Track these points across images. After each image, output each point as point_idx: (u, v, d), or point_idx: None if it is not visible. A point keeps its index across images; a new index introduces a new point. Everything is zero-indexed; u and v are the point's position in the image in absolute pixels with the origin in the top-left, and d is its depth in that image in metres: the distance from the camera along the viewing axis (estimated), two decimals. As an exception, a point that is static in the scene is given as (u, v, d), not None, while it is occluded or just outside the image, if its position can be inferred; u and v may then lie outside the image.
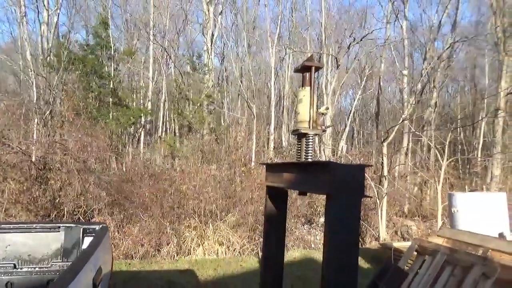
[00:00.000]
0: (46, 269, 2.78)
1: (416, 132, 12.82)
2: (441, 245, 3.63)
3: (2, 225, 2.93)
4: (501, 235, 3.58)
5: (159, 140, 14.70)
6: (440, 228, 4.93)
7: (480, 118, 14.74)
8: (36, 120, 10.36)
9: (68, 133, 8.80)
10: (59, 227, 2.90)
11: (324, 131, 2.30)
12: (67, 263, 2.57)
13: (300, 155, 2.26)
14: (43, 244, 2.87)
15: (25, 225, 2.89)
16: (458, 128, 16.37)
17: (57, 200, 8.42)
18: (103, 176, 8.93)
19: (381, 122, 17.05)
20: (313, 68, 2.29)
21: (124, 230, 8.55)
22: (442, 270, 3.49)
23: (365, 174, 8.74)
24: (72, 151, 8.44)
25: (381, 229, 10.52)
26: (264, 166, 2.82)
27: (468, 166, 15.01)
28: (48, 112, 10.75)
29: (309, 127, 2.23)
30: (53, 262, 2.86)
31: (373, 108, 20.18)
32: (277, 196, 2.69)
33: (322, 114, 2.29)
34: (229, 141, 13.02)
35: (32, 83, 11.32)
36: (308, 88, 2.32)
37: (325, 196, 1.76)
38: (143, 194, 9.08)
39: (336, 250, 1.70)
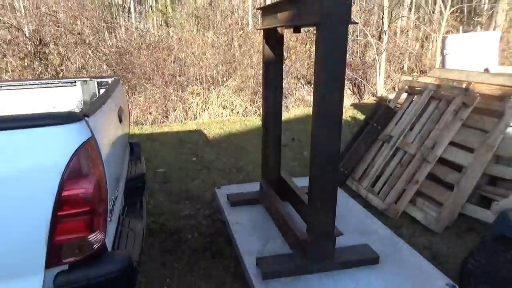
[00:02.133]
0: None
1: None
2: (429, 83, 3.89)
3: (22, 82, 3.16)
4: (486, 70, 3.78)
5: (150, 9, 14.02)
6: (430, 69, 5.13)
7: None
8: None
9: (55, 4, 8.44)
10: (75, 81, 3.14)
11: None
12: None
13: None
14: (63, 98, 3.15)
15: (44, 81, 3.11)
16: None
17: (60, 75, 8.59)
18: (102, 48, 8.89)
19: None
20: None
21: (130, 100, 8.92)
22: (428, 105, 3.82)
23: (366, 31, 8.59)
24: (64, 23, 8.24)
25: (378, 85, 10.83)
26: (261, 10, 2.88)
27: (473, 17, 14.46)
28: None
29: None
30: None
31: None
32: (274, 40, 2.82)
33: None
34: (223, 4, 12.43)
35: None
36: None
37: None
38: (143, 64, 9.17)
39: (325, 70, 1.92)
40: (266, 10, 2.74)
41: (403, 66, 13.32)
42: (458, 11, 13.02)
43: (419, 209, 3.39)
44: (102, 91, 3.10)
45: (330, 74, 1.92)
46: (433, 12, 14.60)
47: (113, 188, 1.77)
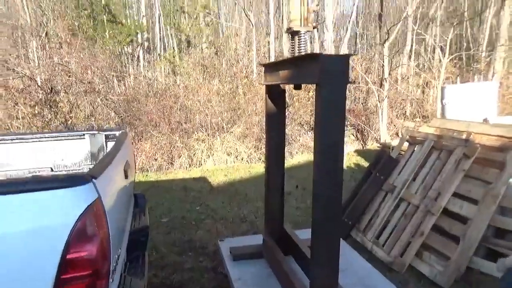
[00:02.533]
0: (80, 170, 3.18)
1: (419, 31, 12.49)
2: (430, 134, 3.95)
3: (32, 135, 3.26)
4: (485, 120, 3.85)
5: (158, 58, 14.58)
6: (431, 119, 5.23)
7: (487, 9, 14.17)
8: (34, 43, 10.28)
9: (68, 55, 8.83)
10: (83, 134, 3.23)
11: (315, 27, 2.44)
12: (97, 164, 2.94)
13: (294, 51, 2.44)
14: (72, 150, 3.23)
15: (54, 134, 3.21)
16: (465, 23, 15.81)
17: (69, 122, 8.80)
18: (110, 96, 9.17)
19: (385, 24, 16.49)
20: (305, -36, 2.35)
21: (137, 147, 9.05)
22: (430, 156, 3.85)
23: (367, 79, 8.83)
24: (75, 72, 8.57)
25: (381, 131, 10.94)
26: (263, 67, 3.01)
27: (472, 64, 14.85)
28: (44, 34, 10.61)
29: (301, 25, 2.37)
30: (85, 164, 3.24)
31: (377, 9, 19.32)
32: (276, 95, 2.92)
33: (313, 11, 2.41)
34: (229, 53, 12.91)
35: (23, 4, 10.98)
36: (300, -14, 2.40)
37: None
38: (150, 111, 9.39)
39: (325, 132, 1.98)
40: (268, 67, 2.87)
41: (406, 111, 13.53)
42: (457, 59, 13.42)
43: (425, 262, 3.32)
44: (109, 143, 3.19)
45: (329, 134, 1.98)
46: (433, 59, 15.03)
47: (116, 245, 1.78)
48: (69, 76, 8.58)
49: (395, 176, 4.07)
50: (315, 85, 2.00)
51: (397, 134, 11.97)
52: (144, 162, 8.58)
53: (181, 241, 4.18)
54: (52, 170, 3.16)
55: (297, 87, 2.61)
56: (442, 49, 12.37)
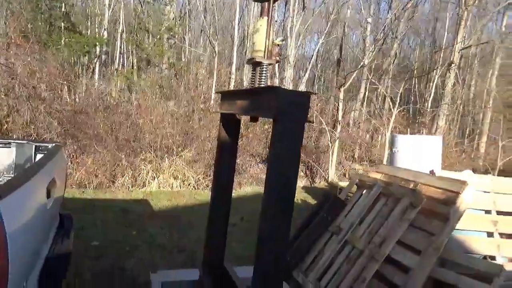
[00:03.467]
0: (-1, 182, 2.80)
1: (373, 80, 13.18)
2: (378, 179, 3.99)
3: None
4: (431, 172, 3.98)
5: (115, 72, 14.09)
6: (379, 165, 5.37)
7: (434, 70, 15.34)
8: (-23, 40, 9.52)
9: (15, 56, 8.23)
10: (9, 143, 2.87)
11: (278, 61, 2.38)
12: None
13: (254, 82, 2.35)
14: (-5, 159, 2.86)
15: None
16: (414, 79, 16.97)
17: (5, 127, 8.09)
18: (55, 104, 8.60)
19: (343, 69, 17.32)
20: (272, -3, 2.30)
21: (77, 160, 8.46)
22: (377, 201, 3.87)
23: (321, 119, 9.00)
24: (20, 76, 7.98)
25: (330, 170, 11.16)
26: (220, 94, 2.89)
27: (418, 117, 15.84)
28: (-9, 32, 9.89)
29: (264, 57, 2.30)
30: (6, 176, 2.87)
31: (336, 55, 20.28)
32: (230, 124, 2.79)
33: (278, 45, 2.35)
34: (189, 77, 12.77)
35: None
36: (265, 18, 2.33)
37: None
38: (98, 125, 8.92)
39: (278, 168, 1.86)
40: (226, 96, 2.76)
41: (354, 154, 14.00)
42: (405, 110, 14.24)
43: (365, 311, 3.24)
44: (40, 155, 2.85)
45: (283, 170, 1.86)
46: (383, 108, 15.87)
47: (22, 274, 1.50)
48: (12, 79, 7.96)
49: (342, 218, 4.03)
50: (272, 119, 1.90)
51: (344, 175, 12.28)
52: (84, 177, 8.03)
53: (110, 268, 3.80)
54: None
55: (254, 119, 2.50)
56: (392, 100, 13.07)
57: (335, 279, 3.56)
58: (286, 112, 1.80)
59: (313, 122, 10.99)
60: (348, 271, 3.52)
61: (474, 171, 6.52)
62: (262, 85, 2.31)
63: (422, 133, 13.47)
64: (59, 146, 2.57)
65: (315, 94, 11.36)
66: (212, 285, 2.67)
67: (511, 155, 11.87)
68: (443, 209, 3.31)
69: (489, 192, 4.25)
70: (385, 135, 11.45)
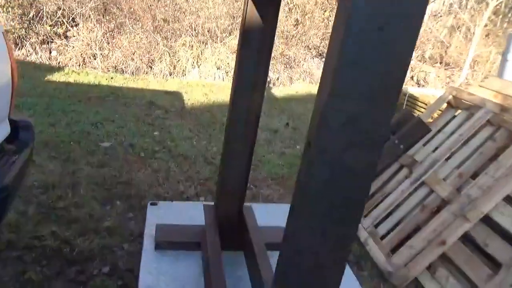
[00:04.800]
0: None
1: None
2: (487, 100, 2.70)
3: None
4: None
5: None
6: (485, 77, 3.91)
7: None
8: None
9: None
10: None
11: None
12: None
13: None
14: None
15: None
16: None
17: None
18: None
19: None
20: None
21: (114, 40, 7.66)
22: (479, 131, 2.66)
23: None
24: None
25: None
26: None
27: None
28: None
29: None
30: None
31: None
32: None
33: None
34: None
35: None
36: None
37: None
38: (132, 1, 7.81)
39: (341, 61, 0.77)
40: None
41: (424, 53, 11.92)
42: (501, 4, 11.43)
43: (438, 283, 2.33)
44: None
45: (346, 65, 0.76)
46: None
47: None
48: None
49: (419, 148, 2.92)
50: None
51: (412, 78, 10.61)
52: (120, 60, 7.30)
53: (113, 181, 3.09)
54: None
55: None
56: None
57: (398, 232, 2.61)
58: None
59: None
60: (419, 225, 2.54)
61: None
62: None
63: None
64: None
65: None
66: (217, 235, 1.82)
67: None
68: None
69: None
70: (473, 33, 9.30)
